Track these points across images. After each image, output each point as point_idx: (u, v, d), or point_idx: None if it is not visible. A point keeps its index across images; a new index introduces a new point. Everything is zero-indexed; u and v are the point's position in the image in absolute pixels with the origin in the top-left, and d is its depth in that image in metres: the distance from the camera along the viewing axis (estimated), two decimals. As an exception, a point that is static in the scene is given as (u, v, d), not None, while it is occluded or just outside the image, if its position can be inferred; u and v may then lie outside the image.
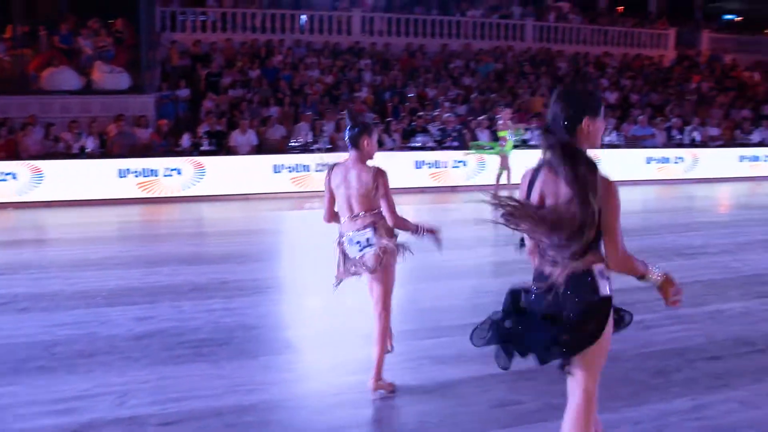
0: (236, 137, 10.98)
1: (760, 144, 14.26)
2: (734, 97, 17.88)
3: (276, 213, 9.12)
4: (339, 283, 3.41)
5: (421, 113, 12.75)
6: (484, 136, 12.37)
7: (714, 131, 14.27)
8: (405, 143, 11.92)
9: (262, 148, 11.15)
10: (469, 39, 18.18)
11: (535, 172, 2.18)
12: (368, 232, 3.23)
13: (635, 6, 23.39)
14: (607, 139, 12.90)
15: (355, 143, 3.23)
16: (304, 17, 16.63)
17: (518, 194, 2.21)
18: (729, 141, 14.44)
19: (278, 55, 14.96)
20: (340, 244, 3.34)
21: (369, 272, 3.25)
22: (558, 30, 19.65)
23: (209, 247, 6.98)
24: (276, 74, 14.09)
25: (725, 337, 4.11)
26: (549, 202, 2.11)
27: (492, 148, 9.88)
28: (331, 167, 3.31)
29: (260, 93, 13.07)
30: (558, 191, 2.09)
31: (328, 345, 4.06)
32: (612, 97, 16.48)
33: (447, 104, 13.70)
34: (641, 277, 2.14)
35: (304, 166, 10.63)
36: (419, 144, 11.86)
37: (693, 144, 13.57)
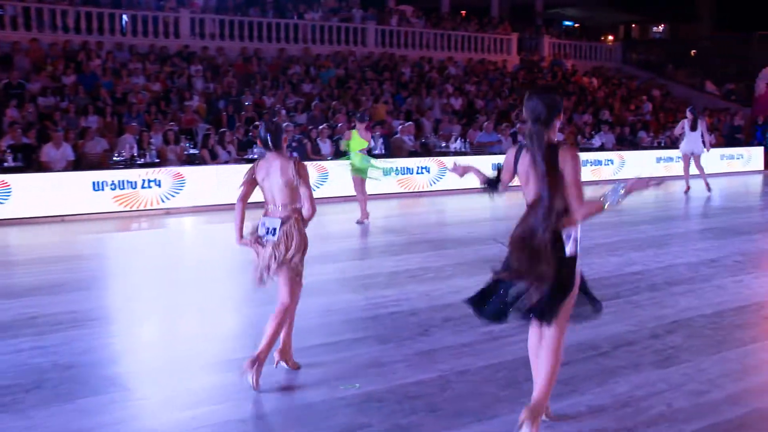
0: (49, 151, 10.58)
1: (602, 148, 16.28)
2: (576, 102, 20.23)
3: (97, 236, 8.80)
4: (262, 278, 3.96)
5: (258, 123, 12.87)
6: (326, 147, 12.77)
7: (558, 136, 15.99)
8: (241, 155, 11.91)
9: (79, 163, 10.85)
10: (308, 43, 18.64)
11: (518, 153, 3.18)
12: (276, 222, 3.92)
13: (478, 11, 25.53)
14: (452, 147, 13.97)
15: (275, 145, 3.97)
16: (125, 17, 16.10)
17: (504, 168, 3.26)
18: (572, 145, 16.27)
19: (96, 59, 14.33)
20: (254, 233, 3.98)
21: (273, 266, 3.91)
22: (401, 34, 20.87)
23: (15, 278, 6.61)
24: (95, 81, 13.55)
25: (570, 342, 4.30)
26: (530, 179, 3.09)
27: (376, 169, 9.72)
28: (256, 161, 4.06)
29: (76, 102, 12.51)
30: (535, 169, 3.05)
31: (159, 378, 4.02)
32: (457, 103, 17.82)
33: (285, 113, 13.90)
34: (602, 209, 3.03)
35: (129, 182, 10.37)
36: (257, 156, 11.89)
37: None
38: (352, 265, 7.10)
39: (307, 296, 4.87)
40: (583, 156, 14.74)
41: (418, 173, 13.13)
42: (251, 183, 4.06)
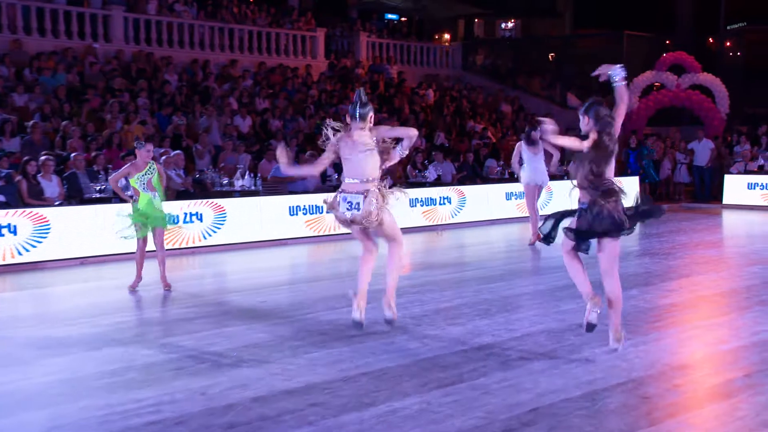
0: None
1: (438, 182, 16.98)
2: (404, 122, 21.14)
3: None
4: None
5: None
6: (52, 187, 12.15)
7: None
8: None
9: None
10: (19, 34, 17.82)
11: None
12: (359, 197, 6.18)
13: (270, -1, 25.93)
14: (238, 184, 13.87)
15: (363, 118, 6.20)
16: None
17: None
18: (400, 180, 16.95)
19: None
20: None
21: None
22: (162, 27, 20.65)
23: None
24: None
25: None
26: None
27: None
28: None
29: None
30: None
31: None
32: (245, 124, 17.88)
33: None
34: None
35: None
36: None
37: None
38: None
39: None
40: (412, 194, 15.37)
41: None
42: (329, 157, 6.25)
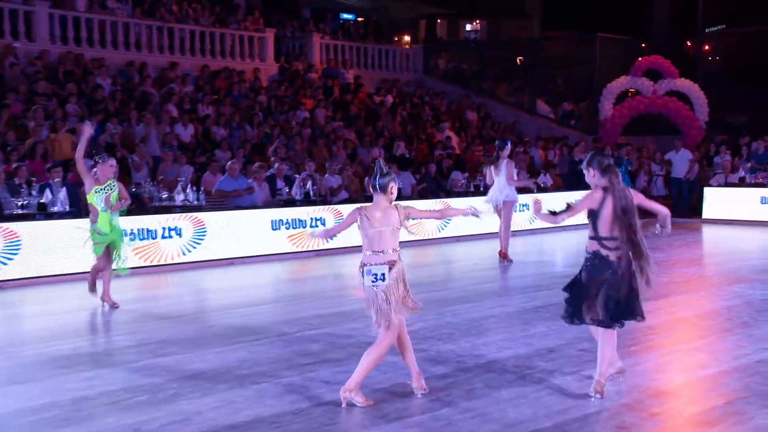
0: None
1: (398, 196, 16.95)
2: (360, 130, 21.19)
3: None
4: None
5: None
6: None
7: (334, 181, 16.57)
8: None
9: None
10: None
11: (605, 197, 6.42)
12: (384, 268, 6.33)
13: (213, -6, 25.81)
14: (179, 198, 13.77)
15: (383, 189, 6.31)
16: None
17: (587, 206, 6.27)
18: (357, 194, 16.98)
19: None
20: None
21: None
22: (93, 25, 20.45)
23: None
24: None
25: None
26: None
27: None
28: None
29: None
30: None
31: None
32: (186, 133, 17.78)
33: None
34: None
35: None
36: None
37: (308, 201, 15.45)
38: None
39: None
40: (313, 212, 15.21)
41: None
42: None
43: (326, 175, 16.67)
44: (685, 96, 24.95)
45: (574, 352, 7.70)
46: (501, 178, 13.53)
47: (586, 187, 6.74)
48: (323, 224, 14.87)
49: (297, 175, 16.18)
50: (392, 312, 6.31)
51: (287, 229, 14.58)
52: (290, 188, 15.60)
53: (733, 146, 22.54)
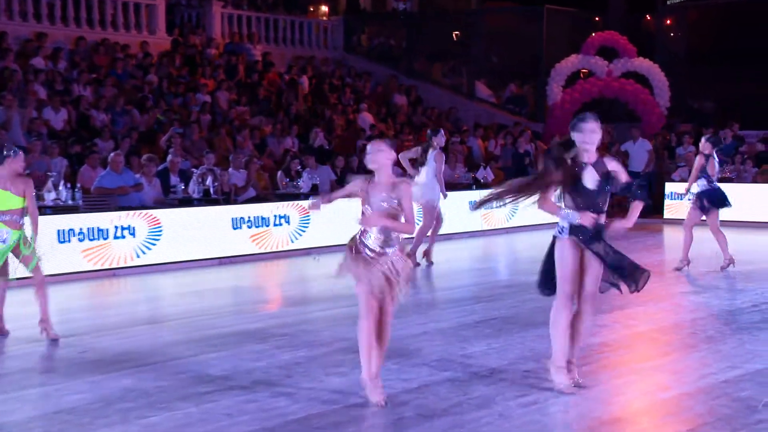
0: None
1: (314, 192, 16.95)
2: (272, 117, 21.04)
3: None
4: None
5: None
6: None
7: (239, 177, 16.42)
8: None
9: None
10: None
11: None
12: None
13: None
14: (49, 197, 13.43)
15: None
16: None
17: None
18: (264, 193, 16.85)
19: None
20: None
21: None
22: None
23: None
24: None
25: None
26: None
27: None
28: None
29: None
30: None
31: None
32: (58, 119, 17.50)
33: None
34: None
35: None
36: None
37: (208, 199, 15.31)
38: None
39: None
40: (276, 209, 15.74)
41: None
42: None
43: (230, 170, 16.56)
44: (644, 78, 25.39)
45: (518, 376, 7.75)
46: (428, 170, 13.61)
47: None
48: (287, 222, 15.56)
49: (195, 170, 16.01)
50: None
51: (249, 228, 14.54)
52: (186, 185, 15.44)
53: (697, 136, 22.92)
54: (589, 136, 7.03)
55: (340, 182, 18.08)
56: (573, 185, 7.03)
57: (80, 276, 13.21)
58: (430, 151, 13.71)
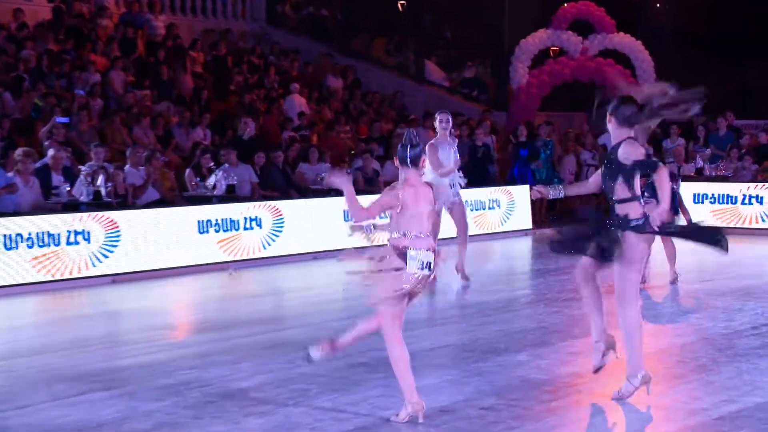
0: None
1: (230, 196, 16.88)
2: (179, 103, 20.87)
3: None
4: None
5: None
6: None
7: (138, 175, 16.30)
8: None
9: None
10: None
11: None
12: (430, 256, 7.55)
13: None
14: None
15: (415, 162, 7.60)
16: None
17: None
18: (177, 198, 16.73)
19: None
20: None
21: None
22: None
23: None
24: None
25: None
26: None
27: None
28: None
29: None
30: None
31: None
32: None
33: None
34: None
35: None
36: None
37: (99, 203, 15.17)
38: None
39: None
40: (199, 213, 15.79)
41: None
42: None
43: (126, 167, 16.46)
44: (625, 57, 25.57)
45: (473, 413, 7.78)
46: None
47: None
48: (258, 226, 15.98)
49: (82, 167, 15.85)
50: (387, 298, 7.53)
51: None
52: (72, 185, 15.31)
53: (687, 128, 23.11)
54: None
55: (263, 184, 18.04)
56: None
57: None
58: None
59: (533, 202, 19.72)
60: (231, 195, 16.95)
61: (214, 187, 16.93)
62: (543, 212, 21.50)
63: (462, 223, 14.25)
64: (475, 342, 10.38)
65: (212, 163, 17.46)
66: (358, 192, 17.94)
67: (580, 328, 10.35)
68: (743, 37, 25.85)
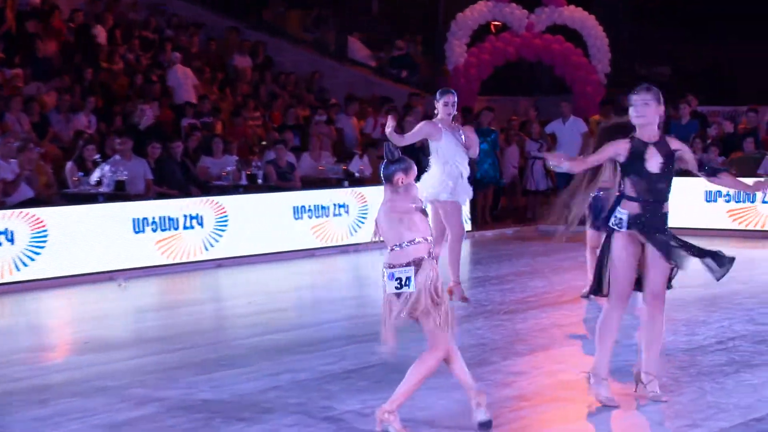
0: None
1: (119, 194, 16.81)
2: (59, 84, 20.74)
3: None
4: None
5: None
6: None
7: (8, 169, 16.16)
8: None
9: None
10: None
11: None
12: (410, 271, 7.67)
13: None
14: None
15: (389, 180, 7.74)
16: None
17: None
18: (47, 193, 16.62)
19: None
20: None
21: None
22: None
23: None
24: None
25: None
26: None
27: None
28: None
29: None
30: None
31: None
32: None
33: None
34: None
35: None
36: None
37: None
38: None
39: None
40: (74, 215, 15.88)
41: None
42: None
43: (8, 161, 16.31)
44: (577, 34, 25.75)
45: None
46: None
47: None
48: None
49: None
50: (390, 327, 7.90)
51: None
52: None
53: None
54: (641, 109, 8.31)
55: (158, 179, 17.96)
56: (634, 167, 8.23)
57: None
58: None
59: (473, 202, 19.55)
60: (121, 192, 16.87)
61: (99, 183, 16.80)
62: (486, 212, 21.56)
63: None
64: (404, 363, 10.38)
65: (98, 156, 17.32)
66: (272, 189, 18.46)
67: (524, 345, 10.44)
68: (709, 12, 26.13)
